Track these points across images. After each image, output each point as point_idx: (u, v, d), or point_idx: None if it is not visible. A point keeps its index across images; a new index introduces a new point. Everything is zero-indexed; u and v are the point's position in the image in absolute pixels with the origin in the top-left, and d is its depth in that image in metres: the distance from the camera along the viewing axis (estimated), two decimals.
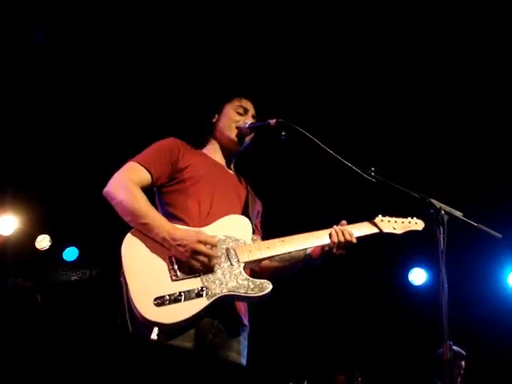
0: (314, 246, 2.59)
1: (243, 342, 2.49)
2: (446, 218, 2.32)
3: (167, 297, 2.20)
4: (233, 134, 2.84)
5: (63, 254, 7.25)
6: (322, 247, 2.59)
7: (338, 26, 5.04)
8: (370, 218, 2.72)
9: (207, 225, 2.49)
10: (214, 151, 2.89)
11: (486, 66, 5.21)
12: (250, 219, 2.62)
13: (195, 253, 2.28)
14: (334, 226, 2.60)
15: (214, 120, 2.92)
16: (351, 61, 5.36)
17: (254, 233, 2.62)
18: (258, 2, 4.88)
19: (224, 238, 2.45)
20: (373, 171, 2.53)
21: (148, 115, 5.79)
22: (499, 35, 4.90)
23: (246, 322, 2.54)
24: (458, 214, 2.40)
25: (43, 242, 7.09)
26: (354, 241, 2.58)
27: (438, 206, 2.36)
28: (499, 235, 2.47)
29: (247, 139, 2.88)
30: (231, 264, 2.38)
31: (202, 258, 2.29)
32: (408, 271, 7.33)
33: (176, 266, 2.30)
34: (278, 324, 6.68)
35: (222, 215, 2.54)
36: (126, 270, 2.26)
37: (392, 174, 2.56)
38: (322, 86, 5.58)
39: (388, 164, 3.38)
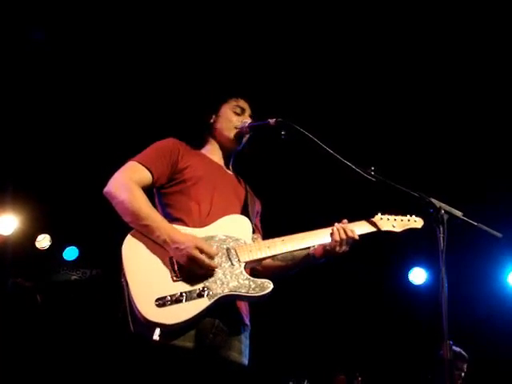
0: (315, 244, 2.59)
1: (245, 341, 2.49)
2: (445, 217, 2.32)
3: (168, 297, 2.20)
4: (231, 133, 2.84)
5: (63, 253, 7.24)
6: (325, 246, 2.58)
7: (338, 25, 5.05)
8: (369, 217, 2.72)
9: (207, 225, 2.49)
10: (212, 151, 2.89)
11: (486, 66, 5.21)
12: (249, 219, 2.62)
13: (191, 259, 2.27)
14: (336, 224, 2.60)
15: (212, 121, 2.90)
16: (351, 60, 5.36)
17: (253, 232, 2.62)
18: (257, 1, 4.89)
19: (224, 237, 2.46)
20: (373, 170, 2.53)
21: (148, 115, 5.79)
22: (499, 35, 4.90)
23: (247, 321, 2.54)
24: (458, 213, 2.40)
25: (43, 241, 7.09)
26: (357, 237, 2.58)
27: (438, 206, 2.35)
28: (499, 235, 2.47)
29: (244, 139, 2.88)
30: (232, 264, 2.38)
31: (198, 262, 2.28)
32: (408, 271, 7.33)
33: (177, 267, 2.30)
34: (278, 324, 6.67)
35: (222, 215, 2.54)
36: (127, 270, 2.26)
37: (392, 174, 2.56)
38: (321, 86, 5.58)
39: (388, 163, 3.38)
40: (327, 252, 2.59)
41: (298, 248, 2.56)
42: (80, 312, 6.68)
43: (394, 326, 6.90)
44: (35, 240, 7.03)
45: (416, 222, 2.77)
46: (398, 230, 2.74)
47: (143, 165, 2.55)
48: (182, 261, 2.29)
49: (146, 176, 2.54)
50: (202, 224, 2.49)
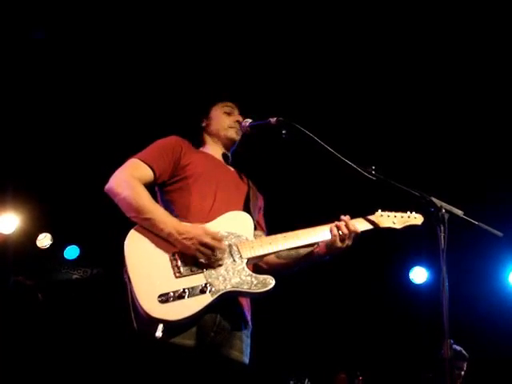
0: (317, 240, 2.60)
1: (246, 340, 2.50)
2: (446, 216, 2.32)
3: (171, 294, 2.21)
4: (228, 133, 2.91)
5: (64, 252, 7.24)
6: (328, 242, 2.59)
7: (337, 23, 5.04)
8: (369, 213, 2.73)
9: (209, 221, 2.50)
10: (212, 150, 2.94)
11: (486, 65, 5.20)
12: (251, 215, 2.64)
13: (202, 245, 2.29)
14: (337, 222, 2.61)
15: (204, 124, 2.98)
16: (351, 59, 5.36)
17: (256, 229, 2.64)
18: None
19: (226, 234, 2.47)
20: (373, 169, 2.54)
21: (148, 114, 5.80)
22: (499, 35, 4.90)
23: (248, 320, 2.55)
24: (459, 212, 2.40)
25: (44, 240, 7.09)
26: (359, 231, 2.59)
27: (439, 205, 2.35)
28: (500, 234, 2.47)
29: (238, 137, 2.94)
30: (234, 260, 2.39)
31: (208, 250, 2.30)
32: (409, 270, 7.32)
33: (179, 263, 2.31)
34: (278, 322, 6.68)
35: (224, 212, 2.56)
36: (130, 267, 2.27)
37: (393, 173, 2.56)
38: (321, 85, 5.58)
39: (389, 162, 3.38)
40: (331, 248, 2.59)
41: (300, 244, 2.58)
42: (81, 311, 6.68)
43: (394, 325, 6.90)
44: (36, 239, 7.03)
45: (416, 219, 2.79)
46: (398, 226, 2.76)
47: (145, 162, 2.57)
48: (190, 250, 2.30)
49: (147, 173, 2.56)
50: (205, 220, 2.50)
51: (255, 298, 2.40)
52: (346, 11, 4.93)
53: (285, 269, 2.72)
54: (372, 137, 5.91)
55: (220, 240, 2.35)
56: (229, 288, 2.30)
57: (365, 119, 5.85)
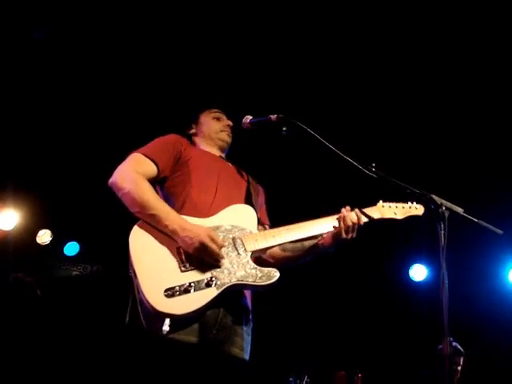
0: (321, 232, 2.62)
1: (246, 337, 2.51)
2: (446, 213, 2.32)
3: (177, 288, 2.21)
4: (220, 136, 2.99)
5: (64, 248, 7.24)
6: (333, 234, 2.60)
7: (338, 21, 5.04)
8: (371, 204, 2.76)
9: (212, 215, 2.52)
10: (209, 148, 2.97)
11: (486, 62, 5.20)
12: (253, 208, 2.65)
13: (203, 247, 2.29)
14: (341, 211, 2.62)
15: (194, 131, 3.04)
16: (351, 56, 5.35)
17: (258, 222, 2.65)
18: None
19: (230, 227, 2.48)
20: (374, 166, 2.54)
21: (148, 112, 5.80)
22: (499, 34, 4.90)
23: (250, 317, 2.56)
24: (459, 209, 2.40)
25: (44, 236, 7.09)
26: (362, 222, 2.60)
27: (439, 202, 2.35)
28: (500, 231, 2.47)
29: (229, 139, 3.03)
30: (238, 253, 2.41)
31: (207, 254, 2.30)
32: (408, 267, 7.32)
33: (184, 257, 2.31)
34: (278, 319, 6.68)
35: (226, 206, 2.58)
36: (135, 261, 2.28)
37: (393, 170, 2.56)
38: (322, 82, 5.58)
39: (389, 160, 3.38)
40: (335, 240, 2.61)
41: (304, 236, 2.60)
42: (81, 307, 6.68)
43: (394, 322, 6.90)
44: (36, 235, 7.02)
45: (417, 209, 2.82)
46: (399, 217, 2.78)
47: (148, 157, 2.59)
48: (191, 249, 2.30)
49: (151, 168, 2.58)
50: (207, 214, 2.51)
51: (260, 290, 2.41)
52: (346, 8, 4.92)
53: (290, 261, 2.74)
54: (373, 134, 5.91)
55: (220, 246, 2.35)
56: (234, 281, 2.31)
57: (365, 116, 5.85)
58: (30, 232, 6.94)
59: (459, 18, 4.84)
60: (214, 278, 2.28)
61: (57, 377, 6.09)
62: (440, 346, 4.31)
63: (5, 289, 6.44)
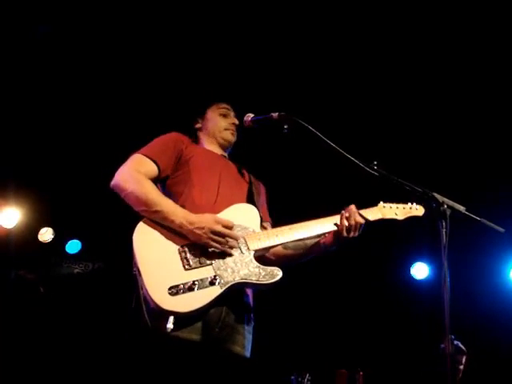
0: (323, 231, 2.63)
1: (248, 336, 2.52)
2: (448, 212, 2.31)
3: (181, 286, 2.23)
4: (224, 135, 2.96)
5: (66, 246, 7.25)
6: (335, 233, 2.61)
7: (339, 19, 5.04)
8: (372, 205, 2.76)
9: (215, 214, 2.51)
10: (211, 146, 2.97)
11: (488, 64, 5.20)
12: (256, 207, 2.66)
13: (214, 233, 2.32)
14: (343, 211, 2.63)
15: (199, 125, 3.02)
16: (353, 54, 5.35)
17: (261, 221, 2.66)
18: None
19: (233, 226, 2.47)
20: (375, 165, 2.54)
21: (148, 111, 5.80)
22: (499, 34, 4.89)
23: (251, 316, 2.58)
24: (461, 208, 2.39)
25: (46, 234, 7.09)
26: (363, 222, 2.61)
27: (441, 200, 2.34)
28: (502, 230, 2.46)
29: (234, 138, 3.01)
30: (242, 252, 2.42)
31: (220, 238, 2.33)
32: (410, 265, 7.31)
33: (188, 255, 2.33)
34: (280, 317, 6.69)
35: (228, 205, 2.59)
36: (139, 259, 2.29)
37: (394, 169, 2.56)
38: (324, 80, 5.57)
39: (390, 159, 3.37)
40: (337, 238, 2.61)
41: (307, 236, 2.61)
42: (82, 305, 6.69)
43: (395, 320, 6.90)
44: (38, 233, 7.03)
45: (417, 210, 2.84)
46: (400, 217, 2.80)
47: (149, 157, 2.60)
48: (202, 239, 2.32)
49: (152, 169, 2.58)
50: (210, 213, 2.50)
51: (262, 289, 2.42)
52: (347, 7, 4.92)
53: (293, 260, 2.75)
54: (374, 132, 5.90)
55: (231, 227, 2.39)
56: (237, 280, 2.33)
57: (367, 114, 5.84)
58: (31, 230, 6.94)
59: (459, 17, 4.84)
60: (217, 277, 2.30)
61: (59, 374, 6.10)
62: (442, 345, 4.31)
63: (7, 286, 6.46)
